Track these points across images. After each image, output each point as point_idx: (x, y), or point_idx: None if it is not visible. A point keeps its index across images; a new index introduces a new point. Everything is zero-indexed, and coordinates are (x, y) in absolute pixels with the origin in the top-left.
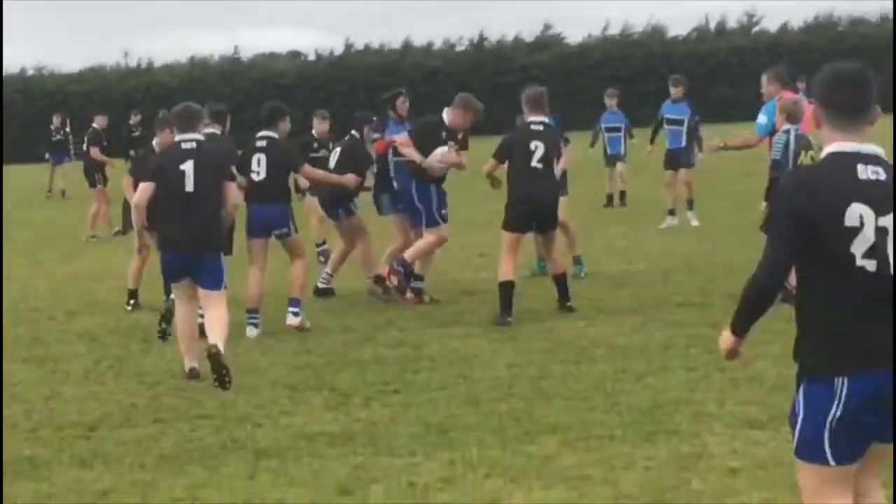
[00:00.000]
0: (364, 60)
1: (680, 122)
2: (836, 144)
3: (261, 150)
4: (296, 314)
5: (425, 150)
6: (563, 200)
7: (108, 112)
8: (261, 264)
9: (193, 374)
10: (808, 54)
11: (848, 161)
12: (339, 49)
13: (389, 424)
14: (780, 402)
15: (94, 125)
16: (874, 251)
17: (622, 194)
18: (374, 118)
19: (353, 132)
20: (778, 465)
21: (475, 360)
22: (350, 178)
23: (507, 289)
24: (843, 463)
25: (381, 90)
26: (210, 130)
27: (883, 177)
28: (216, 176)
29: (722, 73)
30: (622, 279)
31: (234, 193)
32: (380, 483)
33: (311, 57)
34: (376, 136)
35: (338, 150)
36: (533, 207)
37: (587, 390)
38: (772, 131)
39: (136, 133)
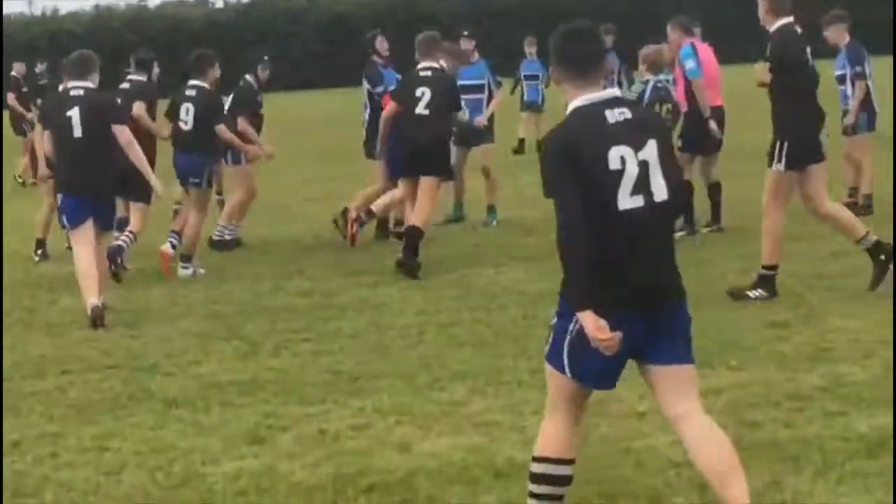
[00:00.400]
0: (272, 7)
1: (609, 73)
2: (580, 98)
3: (189, 99)
4: (185, 268)
5: None
6: (488, 147)
7: (11, 62)
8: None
9: (96, 313)
10: None
11: (595, 110)
12: None
13: (300, 373)
14: None
15: (13, 73)
16: (640, 186)
17: (539, 143)
18: (266, 58)
19: (246, 76)
20: None
21: (385, 308)
22: (252, 150)
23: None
24: (576, 378)
25: (291, 37)
26: (136, 77)
27: (630, 115)
28: (103, 121)
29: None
30: (532, 226)
31: (124, 136)
32: (290, 431)
33: (219, 4)
34: (380, 88)
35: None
36: (410, 151)
37: (497, 337)
38: (700, 72)
39: (43, 81)
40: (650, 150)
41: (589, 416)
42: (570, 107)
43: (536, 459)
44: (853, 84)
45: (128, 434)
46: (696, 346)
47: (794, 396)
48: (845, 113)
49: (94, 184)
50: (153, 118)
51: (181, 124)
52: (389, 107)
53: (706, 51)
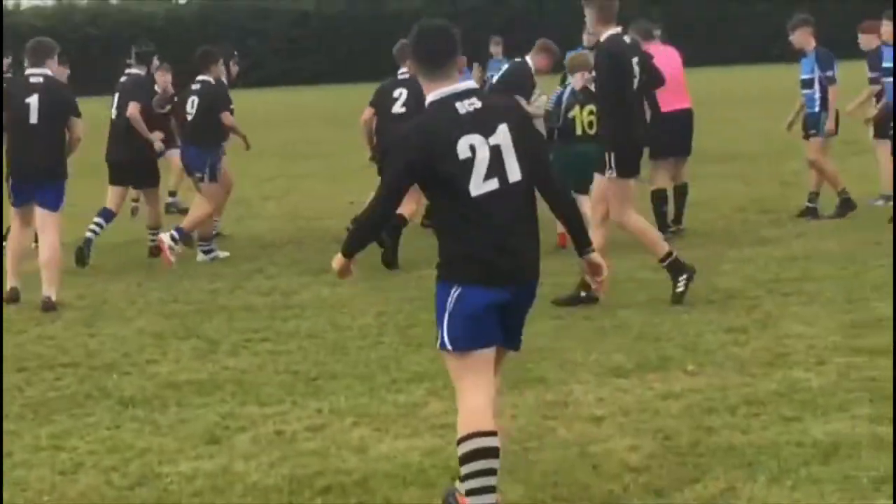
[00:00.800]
0: (234, 3)
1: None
2: (434, 92)
3: (195, 92)
4: (172, 238)
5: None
6: None
7: None
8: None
9: (13, 295)
10: None
11: (447, 103)
12: None
13: (258, 373)
14: (646, 350)
15: None
16: (493, 170)
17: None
18: (235, 52)
19: None
20: (642, 412)
21: (344, 309)
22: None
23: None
24: (461, 349)
25: (254, 34)
26: (133, 71)
27: (479, 105)
28: (60, 111)
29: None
30: None
31: (78, 128)
32: (247, 432)
33: (182, 0)
34: None
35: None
36: (385, 148)
37: None
38: None
39: (8, 75)
40: (502, 135)
41: (545, 418)
42: (427, 101)
43: (462, 440)
44: (822, 88)
45: (84, 433)
46: (654, 350)
47: (750, 402)
48: (808, 115)
49: (44, 169)
50: (152, 116)
51: (188, 117)
52: (366, 112)
53: (666, 56)
